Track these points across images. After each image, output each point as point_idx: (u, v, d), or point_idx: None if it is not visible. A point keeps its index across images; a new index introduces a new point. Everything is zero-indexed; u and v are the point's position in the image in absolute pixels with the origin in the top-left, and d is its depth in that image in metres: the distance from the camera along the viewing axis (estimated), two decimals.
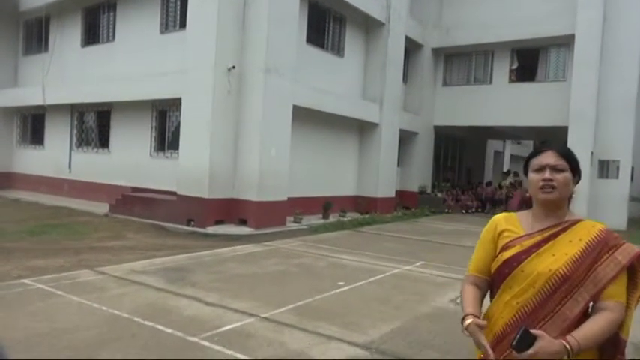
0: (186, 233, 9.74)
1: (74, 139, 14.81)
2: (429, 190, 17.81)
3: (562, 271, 1.56)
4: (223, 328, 4.37)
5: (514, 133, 22.70)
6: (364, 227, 12.04)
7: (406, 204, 16.50)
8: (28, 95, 15.28)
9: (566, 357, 1.46)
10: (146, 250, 7.76)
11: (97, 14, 14.22)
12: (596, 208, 14.28)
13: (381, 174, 14.99)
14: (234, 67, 10.44)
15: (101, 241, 8.43)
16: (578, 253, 1.58)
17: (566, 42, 15.26)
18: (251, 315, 4.78)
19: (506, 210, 17.21)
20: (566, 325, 1.55)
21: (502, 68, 16.98)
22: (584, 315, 1.57)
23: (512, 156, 29.99)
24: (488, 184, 19.20)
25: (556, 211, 1.67)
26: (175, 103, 11.53)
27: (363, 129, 15.08)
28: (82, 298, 5.02)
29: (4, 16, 16.07)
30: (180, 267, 6.77)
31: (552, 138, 26.69)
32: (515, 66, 16.96)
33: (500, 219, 1.81)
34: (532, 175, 1.68)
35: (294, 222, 11.51)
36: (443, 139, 19.58)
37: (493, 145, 25.84)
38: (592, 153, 14.23)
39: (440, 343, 4.32)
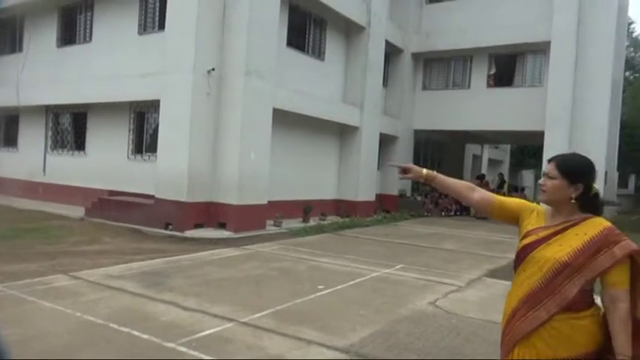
0: (165, 237, 9.60)
1: (49, 141, 14.49)
2: (408, 194, 17.94)
3: (564, 259, 1.88)
4: (201, 334, 4.32)
5: (492, 138, 23.04)
6: (344, 230, 12.05)
7: (386, 207, 16.57)
8: (1, 96, 14.89)
9: None
10: (123, 255, 7.62)
11: (73, 14, 13.95)
12: None
13: (361, 177, 15.03)
14: (213, 69, 10.36)
15: (76, 245, 8.25)
16: (581, 245, 1.88)
17: (542, 48, 15.56)
18: (230, 320, 4.72)
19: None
20: (564, 303, 1.88)
21: (480, 73, 17.23)
22: (580, 293, 1.87)
23: (490, 160, 30.39)
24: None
25: (560, 210, 2.00)
26: (154, 105, 11.38)
27: (343, 132, 15.12)
28: (55, 304, 4.90)
29: None
30: (158, 271, 6.66)
31: (529, 142, 27.20)
32: (493, 71, 17.23)
33: (536, 207, 2.14)
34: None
35: (274, 225, 11.46)
36: (422, 143, 19.75)
37: (471, 149, 26.16)
38: None
39: (419, 346, 4.34)
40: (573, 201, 1.96)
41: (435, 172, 2.30)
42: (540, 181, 2.03)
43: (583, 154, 2.13)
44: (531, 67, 16.43)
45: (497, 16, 16.23)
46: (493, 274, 7.58)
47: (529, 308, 1.94)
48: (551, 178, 1.99)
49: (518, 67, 16.65)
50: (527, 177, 34.33)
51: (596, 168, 2.14)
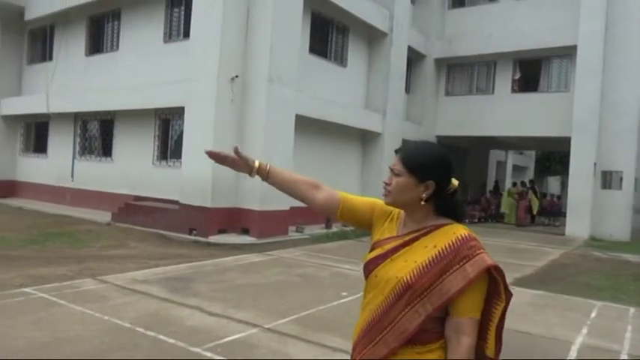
0: (189, 242, 9.71)
1: (77, 148, 14.83)
2: None
3: (405, 279, 1.47)
4: (226, 339, 4.34)
5: (516, 144, 22.68)
6: (367, 237, 11.95)
7: None
8: (32, 104, 15.34)
9: None
10: (149, 259, 7.73)
11: (101, 23, 14.31)
12: (599, 219, 14.26)
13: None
14: (237, 76, 10.47)
15: (104, 249, 8.40)
16: (427, 261, 1.47)
17: (568, 53, 15.29)
18: (254, 325, 4.74)
19: (517, 220, 17.49)
20: (404, 337, 1.47)
21: (504, 78, 17.01)
22: (429, 322, 1.46)
23: (514, 166, 29.95)
24: (495, 191, 19.21)
25: (412, 214, 1.58)
26: (178, 112, 11.55)
27: (365, 138, 15.09)
28: (84, 308, 4.99)
29: (8, 25, 16.16)
30: (183, 276, 6.73)
31: (555, 148, 26.71)
32: (517, 76, 16.99)
33: (393, 211, 1.68)
34: None
35: (297, 231, 11.48)
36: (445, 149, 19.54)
37: (495, 155, 25.83)
38: (595, 164, 14.20)
39: None
40: (423, 203, 1.53)
41: (268, 166, 1.81)
42: (384, 179, 1.61)
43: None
44: (557, 72, 16.15)
45: (522, 21, 16.03)
46: (520, 282, 7.44)
47: (368, 342, 1.54)
48: (396, 175, 1.56)
49: (543, 72, 16.38)
50: (553, 184, 33.71)
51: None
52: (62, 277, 6.29)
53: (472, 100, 17.60)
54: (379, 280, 1.54)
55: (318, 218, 12.55)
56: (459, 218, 1.57)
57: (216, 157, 1.78)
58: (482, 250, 1.46)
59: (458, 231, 1.50)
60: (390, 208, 1.67)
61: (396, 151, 1.61)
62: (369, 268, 1.60)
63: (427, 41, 17.36)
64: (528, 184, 19.59)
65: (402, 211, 1.64)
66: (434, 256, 1.47)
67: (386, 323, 1.50)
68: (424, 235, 1.53)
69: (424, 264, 1.47)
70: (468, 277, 1.42)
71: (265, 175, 1.81)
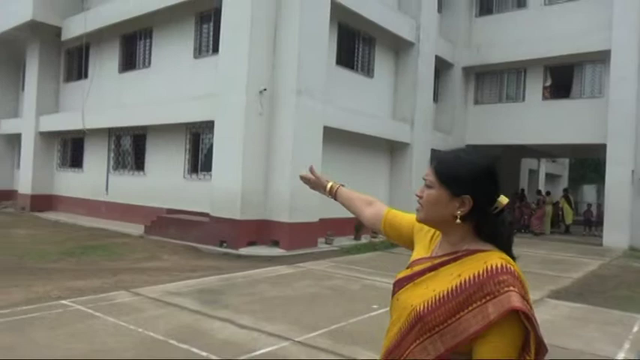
0: (219, 254, 9.81)
1: (111, 162, 15.24)
2: None
3: (418, 309, 1.28)
4: (258, 352, 4.35)
5: (549, 151, 22.18)
6: (396, 248, 11.86)
7: None
8: (69, 120, 15.87)
9: None
10: (181, 272, 7.84)
11: (134, 41, 14.75)
12: (638, 228, 13.75)
13: (413, 194, 14.78)
14: (265, 89, 10.60)
15: (137, 262, 8.57)
16: (446, 291, 1.25)
17: (601, 58, 14.91)
18: (285, 339, 4.73)
19: (531, 228, 17.06)
20: None
21: (535, 85, 16.69)
22: None
23: (547, 174, 29.24)
24: (521, 199, 18.82)
25: (447, 234, 1.36)
26: (208, 126, 11.75)
27: (393, 149, 15.01)
28: (119, 320, 5.09)
29: (47, 45, 16.83)
30: (214, 289, 6.80)
31: (589, 155, 26.00)
32: (548, 83, 16.65)
33: (429, 227, 1.48)
34: None
35: (326, 243, 11.46)
36: None
37: (527, 164, 25.29)
38: (633, 171, 13.75)
39: None
40: (458, 221, 1.30)
41: (338, 186, 1.87)
42: (416, 192, 1.41)
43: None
44: (590, 77, 15.75)
45: (552, 26, 15.74)
46: (557, 295, 7.22)
47: None
48: (427, 186, 1.36)
49: (576, 77, 16.01)
50: (588, 192, 32.73)
51: None
52: (98, 289, 6.44)
53: (502, 108, 17.32)
54: (400, 304, 1.37)
55: (347, 230, 12.50)
56: (502, 245, 1.31)
57: (305, 180, 1.96)
58: (512, 288, 1.17)
59: (491, 260, 1.24)
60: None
61: (432, 160, 1.42)
62: (395, 289, 1.43)
63: (455, 50, 17.23)
64: (562, 193, 19.11)
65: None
66: (454, 287, 1.24)
67: (397, 356, 1.33)
68: (454, 260, 1.31)
69: (442, 295, 1.25)
70: (488, 317, 1.16)
71: (334, 195, 1.89)
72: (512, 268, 1.23)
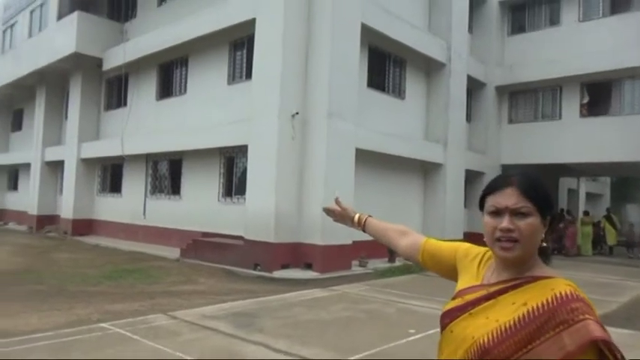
0: (254, 277, 9.84)
1: (148, 187, 15.63)
2: None
3: (482, 341, 1.17)
4: None
5: (588, 170, 21.51)
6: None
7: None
8: (109, 147, 16.43)
9: None
10: (216, 295, 7.89)
11: (170, 69, 15.26)
12: None
13: (447, 215, 14.58)
14: (297, 113, 10.73)
15: (173, 285, 8.68)
16: (512, 321, 1.15)
17: None
18: None
19: (564, 249, 16.36)
20: None
21: (572, 103, 16.32)
22: None
23: (587, 194, 28.30)
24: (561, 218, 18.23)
25: (521, 263, 1.24)
26: (242, 150, 11.95)
27: (427, 170, 14.87)
28: (156, 343, 5.14)
29: (89, 76, 17.60)
30: (249, 312, 6.81)
31: (632, 174, 25.07)
32: (586, 100, 16.26)
33: (481, 253, 1.41)
34: (487, 219, 1.26)
35: (360, 266, 11.35)
36: None
37: (566, 183, 24.57)
38: None
39: None
40: (545, 244, 1.26)
41: (366, 217, 1.84)
42: (504, 225, 1.21)
43: None
44: (630, 93, 15.31)
45: (588, 43, 15.45)
46: (603, 320, 6.87)
47: None
48: (524, 215, 1.21)
49: (614, 94, 15.60)
50: (632, 211, 31.45)
51: None
52: (135, 312, 6.54)
53: (537, 126, 16.97)
54: (455, 336, 1.26)
55: (381, 252, 12.36)
56: (546, 261, 1.28)
57: (329, 213, 1.94)
58: (587, 316, 1.10)
59: (558, 287, 1.17)
60: (477, 249, 1.42)
61: (506, 180, 1.27)
62: (445, 321, 1.31)
63: (487, 69, 17.08)
64: (605, 212, 18.43)
65: (492, 254, 1.33)
66: (521, 316, 1.15)
67: None
68: (514, 288, 1.22)
69: (508, 325, 1.15)
70: (564, 348, 1.07)
71: (362, 227, 1.85)
72: (581, 295, 1.16)
